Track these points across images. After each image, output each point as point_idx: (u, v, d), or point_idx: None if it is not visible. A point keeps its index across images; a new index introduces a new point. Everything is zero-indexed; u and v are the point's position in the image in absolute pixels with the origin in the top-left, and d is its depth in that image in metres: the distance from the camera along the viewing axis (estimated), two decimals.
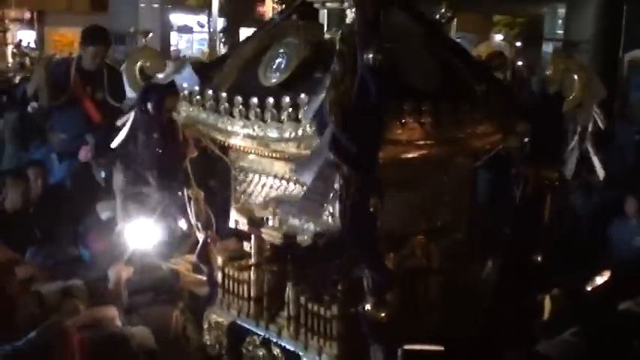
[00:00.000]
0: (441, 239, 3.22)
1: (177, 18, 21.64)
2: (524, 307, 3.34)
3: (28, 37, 20.31)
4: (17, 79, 12.18)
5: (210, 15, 21.28)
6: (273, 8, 3.68)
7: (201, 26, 22.29)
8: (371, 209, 2.59)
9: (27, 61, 14.78)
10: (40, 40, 20.52)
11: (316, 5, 3.23)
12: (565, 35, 13.28)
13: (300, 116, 2.75)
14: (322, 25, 3.22)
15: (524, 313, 3.32)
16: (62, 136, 6.27)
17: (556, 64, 3.28)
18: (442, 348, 2.66)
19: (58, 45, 17.14)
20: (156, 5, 20.16)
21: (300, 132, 2.79)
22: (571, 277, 3.71)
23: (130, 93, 3.49)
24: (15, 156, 7.22)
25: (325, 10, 3.21)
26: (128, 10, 18.08)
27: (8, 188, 5.37)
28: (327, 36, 3.18)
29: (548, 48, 17.85)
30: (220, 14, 20.15)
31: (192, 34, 22.58)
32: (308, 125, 2.72)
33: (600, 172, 3.32)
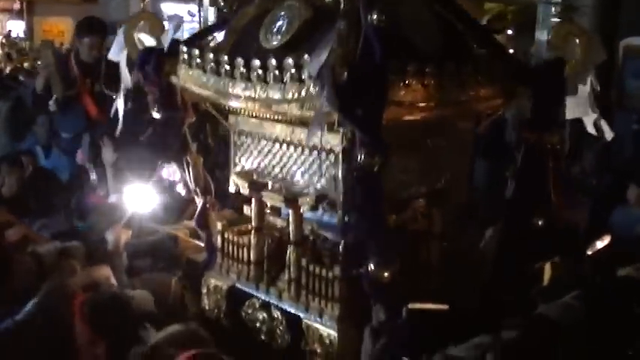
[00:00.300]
0: (442, 203, 3.23)
1: (167, 7, 21.43)
2: (525, 272, 3.35)
3: (17, 27, 20.10)
4: (7, 70, 12.08)
5: (200, 4, 21.10)
6: None
7: (192, 15, 22.12)
8: (375, 169, 2.59)
9: (14, 53, 14.61)
10: (30, 31, 20.27)
11: None
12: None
13: (303, 77, 2.74)
14: None
15: (525, 278, 3.33)
16: (64, 135, 6.13)
17: (558, 30, 3.28)
18: (446, 306, 2.67)
19: (48, 35, 16.86)
20: None
21: (303, 93, 2.77)
22: (572, 241, 3.70)
23: (126, 82, 3.47)
24: (9, 146, 7.13)
25: None
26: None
27: (5, 175, 5.38)
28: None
29: (542, 36, 17.81)
30: (211, 3, 19.96)
31: (183, 23, 22.35)
32: (311, 85, 2.71)
33: (608, 135, 3.33)
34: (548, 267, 3.41)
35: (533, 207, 3.15)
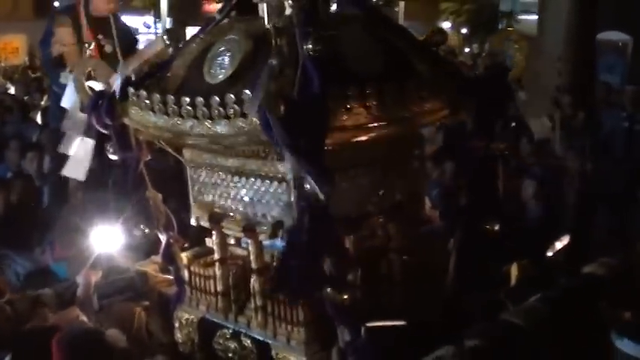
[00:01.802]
0: (399, 218, 3.28)
1: (124, 20, 21.51)
2: (489, 277, 3.42)
3: None
4: None
5: (156, 16, 21.12)
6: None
7: (147, 27, 22.12)
8: (322, 197, 2.64)
9: None
10: None
11: (255, 0, 3.25)
12: (539, 18, 13.13)
13: (245, 111, 2.79)
14: (262, 19, 3.25)
15: (489, 282, 3.40)
16: None
17: (496, 36, 3.35)
18: (404, 323, 2.72)
19: (2, 53, 16.79)
20: None
21: (247, 126, 2.82)
22: (536, 243, 3.77)
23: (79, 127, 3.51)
24: None
25: (264, 4, 3.23)
26: None
27: None
28: (267, 29, 3.21)
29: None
30: (169, 14, 20.02)
31: (138, 36, 22.39)
32: (255, 119, 2.76)
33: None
34: (514, 268, 3.47)
35: (486, 213, 3.21)
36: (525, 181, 6.71)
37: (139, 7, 22.07)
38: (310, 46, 2.74)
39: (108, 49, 5.33)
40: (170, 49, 3.46)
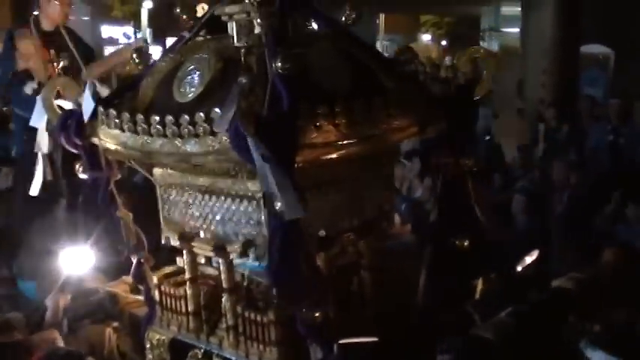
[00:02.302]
0: (370, 235, 3.30)
1: (105, 30, 21.38)
2: (460, 293, 3.43)
3: None
4: None
5: (136, 26, 21.08)
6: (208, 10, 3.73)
7: (128, 37, 22.07)
8: (294, 215, 2.64)
9: None
10: None
11: (224, 18, 3.26)
12: (523, 30, 13.22)
13: (215, 130, 2.79)
14: (232, 37, 3.26)
15: (459, 299, 3.41)
16: None
17: (463, 53, 3.37)
18: (376, 339, 2.72)
19: None
20: (86, 18, 19.87)
21: (217, 145, 2.82)
22: (505, 257, 3.79)
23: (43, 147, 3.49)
24: None
25: (234, 23, 3.24)
26: None
27: None
28: (237, 47, 3.22)
29: (490, 46, 17.86)
30: (149, 24, 20.02)
31: (118, 46, 22.34)
32: (225, 137, 2.76)
33: None
34: (480, 282, 3.49)
35: (455, 229, 3.23)
36: (515, 196, 6.77)
37: (119, 17, 22.02)
38: (279, 64, 2.75)
39: (65, 63, 5.30)
40: (140, 67, 3.47)
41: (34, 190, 3.88)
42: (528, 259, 3.46)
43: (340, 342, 2.74)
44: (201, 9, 3.66)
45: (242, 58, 2.79)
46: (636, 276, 4.53)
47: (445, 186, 3.28)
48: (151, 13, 20.54)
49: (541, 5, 12.30)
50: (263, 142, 2.55)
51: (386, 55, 3.85)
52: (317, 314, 2.79)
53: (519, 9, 15.00)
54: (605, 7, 13.38)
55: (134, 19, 21.73)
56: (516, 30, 15.46)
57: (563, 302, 3.36)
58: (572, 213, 6.68)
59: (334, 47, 3.22)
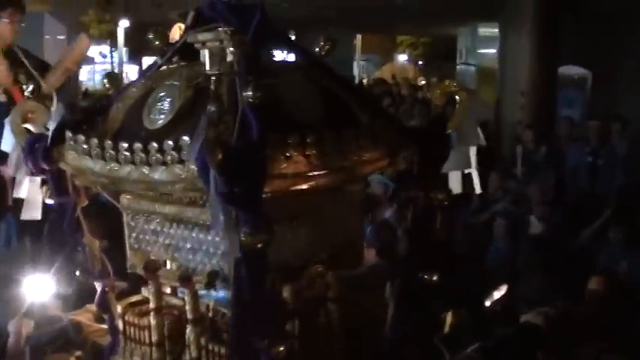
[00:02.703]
0: (338, 267, 3.26)
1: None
2: (428, 326, 3.41)
3: None
4: None
5: (112, 45, 21.04)
6: (180, 36, 3.68)
7: (104, 57, 22.02)
8: (259, 246, 2.61)
9: None
10: None
11: (196, 46, 3.24)
12: (501, 52, 13.30)
13: (184, 158, 2.76)
14: (204, 65, 3.24)
15: (427, 332, 3.39)
16: None
17: (435, 87, 3.38)
18: None
19: None
20: (61, 37, 19.79)
21: (185, 174, 2.79)
22: (474, 292, 3.80)
23: (8, 147, 3.43)
24: None
25: (206, 50, 3.22)
26: (33, 41, 17.61)
27: None
28: (208, 75, 3.19)
29: (468, 67, 17.96)
30: (125, 44, 19.99)
31: (94, 65, 22.27)
32: (193, 166, 2.73)
33: (477, 189, 3.43)
34: (449, 316, 3.47)
35: (424, 263, 3.21)
36: (496, 221, 6.79)
37: (95, 36, 21.98)
38: (250, 93, 2.73)
39: (22, 79, 5.24)
40: (110, 92, 3.44)
41: (34, 213, 3.79)
42: (497, 294, 3.45)
43: None
44: (179, 28, 3.64)
45: (212, 87, 2.76)
46: (619, 304, 4.56)
47: (415, 220, 3.26)
48: (128, 33, 20.52)
49: (519, 27, 12.43)
50: (227, 173, 2.52)
51: (363, 75, 3.86)
52: (281, 348, 2.74)
53: (496, 30, 15.16)
54: (583, 28, 13.54)
55: (110, 38, 21.70)
56: (493, 51, 15.60)
57: (531, 338, 3.34)
58: (550, 235, 6.72)
59: (307, 78, 3.21)
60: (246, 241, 2.61)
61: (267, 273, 2.70)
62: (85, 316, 3.78)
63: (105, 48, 22.34)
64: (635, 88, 13.24)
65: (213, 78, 2.80)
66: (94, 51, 22.03)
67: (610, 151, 9.33)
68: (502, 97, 12.46)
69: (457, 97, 3.38)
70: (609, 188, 8.89)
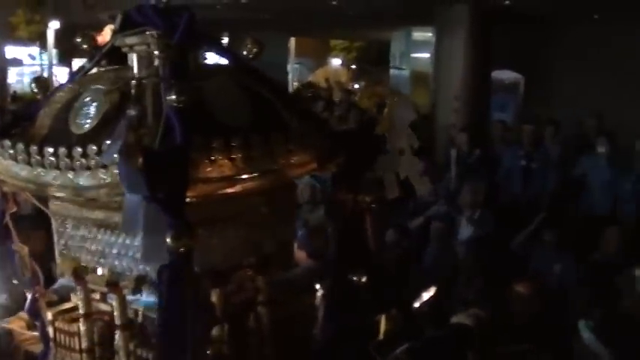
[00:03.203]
0: (269, 271, 3.27)
1: (10, 50, 20.87)
2: (360, 328, 3.43)
3: None
4: None
5: (42, 47, 20.65)
6: (109, 40, 3.63)
7: (33, 58, 21.62)
8: (182, 250, 2.60)
9: None
10: None
11: (124, 49, 3.23)
12: (435, 56, 13.42)
13: (105, 162, 2.74)
14: (132, 69, 3.23)
15: (359, 335, 3.41)
16: None
17: (364, 92, 3.41)
18: None
19: None
20: None
21: (109, 178, 2.78)
22: (408, 294, 3.83)
23: None
24: None
25: (134, 54, 3.21)
26: None
27: None
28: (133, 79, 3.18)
29: (401, 71, 18.16)
30: (56, 46, 19.60)
31: (23, 67, 21.85)
32: (116, 171, 2.71)
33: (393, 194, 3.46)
34: (384, 320, 3.49)
35: (353, 265, 3.23)
36: (432, 223, 6.85)
37: (24, 37, 21.51)
38: (173, 96, 2.73)
39: None
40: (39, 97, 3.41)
41: None
42: (426, 296, 3.48)
43: None
44: (110, 31, 3.62)
45: (133, 91, 2.75)
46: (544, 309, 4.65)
47: (344, 222, 3.28)
48: (58, 35, 20.13)
49: (453, 32, 12.58)
50: (147, 177, 2.51)
51: (295, 77, 3.87)
52: (208, 352, 2.75)
53: (430, 34, 15.30)
54: (515, 34, 13.76)
55: (40, 39, 21.25)
56: (427, 55, 15.77)
57: (462, 339, 3.38)
58: (481, 238, 6.81)
59: (235, 81, 3.21)
60: (170, 245, 2.60)
61: (192, 277, 2.69)
62: (18, 323, 3.72)
63: (34, 50, 21.89)
64: (566, 92, 13.53)
65: (134, 82, 2.79)
66: (22, 53, 21.59)
67: (543, 155, 9.50)
68: (436, 100, 12.61)
69: (387, 101, 3.42)
70: (542, 191, 9.06)
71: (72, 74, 3.40)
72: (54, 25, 20.44)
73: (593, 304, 4.64)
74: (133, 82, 2.83)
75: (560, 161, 9.57)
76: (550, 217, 7.25)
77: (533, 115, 10.76)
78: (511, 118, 13.21)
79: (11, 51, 21.23)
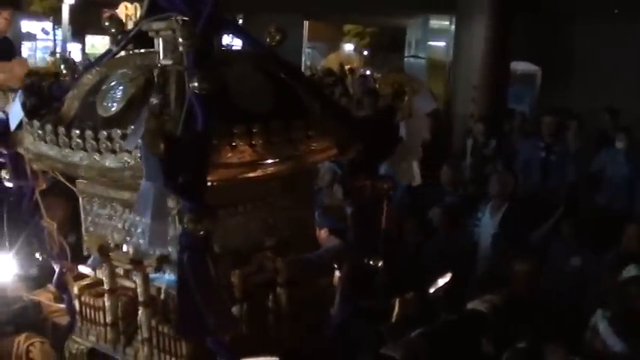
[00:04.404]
0: (288, 253, 3.35)
1: (25, 25, 20.88)
2: (374, 311, 3.51)
3: None
4: None
5: (56, 22, 20.61)
6: (126, 15, 3.67)
7: (46, 33, 21.57)
8: (202, 234, 2.69)
9: None
10: None
11: (151, 34, 3.30)
12: (454, 44, 13.32)
13: (125, 147, 2.83)
14: (158, 53, 3.30)
15: (373, 317, 3.49)
16: None
17: (384, 79, 3.45)
18: (277, 358, 2.77)
19: None
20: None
21: (133, 162, 2.87)
22: (423, 279, 3.87)
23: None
24: None
25: (160, 39, 3.29)
26: None
27: None
28: (162, 64, 3.26)
29: (417, 59, 17.95)
30: (70, 21, 19.57)
31: (36, 42, 21.79)
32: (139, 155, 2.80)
33: (417, 179, 3.52)
34: (397, 303, 3.56)
35: (369, 250, 3.30)
36: (432, 210, 6.88)
37: (38, 12, 21.49)
38: (196, 84, 2.80)
39: None
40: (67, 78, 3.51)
41: None
42: (441, 281, 3.54)
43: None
44: (125, 7, 3.68)
45: (155, 79, 2.83)
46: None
47: (361, 208, 3.35)
48: (72, 10, 20.07)
49: (472, 21, 12.46)
50: (169, 163, 2.59)
51: (307, 63, 3.93)
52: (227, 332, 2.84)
53: (447, 22, 15.11)
54: (534, 25, 13.61)
55: (54, 14, 21.22)
56: (443, 44, 15.62)
57: (476, 324, 3.44)
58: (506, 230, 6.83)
59: (257, 68, 3.28)
60: (189, 228, 2.70)
61: (211, 259, 2.78)
62: (45, 296, 3.86)
63: (48, 24, 21.85)
64: (585, 86, 13.37)
65: (158, 70, 2.86)
66: (36, 27, 21.51)
67: (563, 147, 9.44)
68: (454, 90, 12.52)
69: (406, 89, 3.45)
70: (561, 184, 9.01)
71: (99, 57, 3.48)
72: (68, 0, 20.47)
73: (611, 297, 4.65)
74: (157, 69, 2.89)
75: (579, 155, 9.52)
76: (568, 210, 7.24)
77: (551, 108, 10.62)
78: (527, 110, 13.06)
79: (25, 25, 21.19)
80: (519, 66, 13.86)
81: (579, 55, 14.22)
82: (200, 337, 2.90)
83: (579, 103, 11.65)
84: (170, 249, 3.10)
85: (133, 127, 2.82)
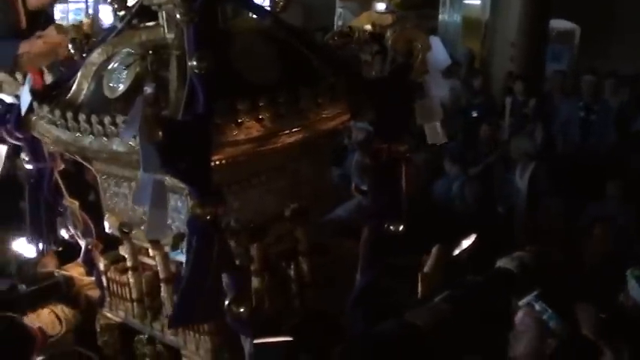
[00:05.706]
0: (306, 222, 3.31)
1: None
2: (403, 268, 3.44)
3: None
4: None
5: None
6: None
7: None
8: (209, 217, 2.66)
9: None
10: None
11: (154, 8, 3.24)
12: (491, 4, 12.91)
13: (121, 137, 2.81)
14: (162, 27, 3.24)
15: (401, 274, 3.43)
16: None
17: (398, 36, 3.31)
18: (290, 338, 2.76)
19: None
20: None
21: (138, 145, 2.83)
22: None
23: None
24: None
25: (163, 12, 3.22)
26: None
27: None
28: (167, 38, 3.20)
29: (452, 17, 17.32)
30: None
31: (68, 4, 21.69)
32: None
33: (443, 139, 3.42)
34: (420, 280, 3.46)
35: (388, 214, 3.24)
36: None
37: None
38: (195, 63, 2.74)
39: None
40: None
41: None
42: (466, 243, 3.45)
43: (255, 341, 2.78)
44: None
45: (149, 67, 2.78)
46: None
47: (379, 171, 3.27)
48: None
49: None
50: (167, 150, 2.54)
51: (339, 23, 3.81)
52: (242, 309, 2.84)
53: None
54: None
55: None
56: (478, 2, 15.11)
57: (504, 284, 3.34)
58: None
59: (264, 37, 3.19)
60: (196, 212, 2.67)
61: (222, 239, 2.76)
62: (76, 270, 3.90)
63: None
64: (625, 46, 12.85)
65: (150, 58, 2.80)
66: None
67: (603, 107, 9.18)
68: (491, 48, 12.16)
69: (419, 45, 3.31)
70: (601, 144, 8.80)
71: (105, 35, 3.42)
72: None
73: None
74: (151, 52, 2.83)
75: (619, 114, 9.25)
76: (610, 170, 7.06)
77: (591, 68, 10.24)
78: (565, 69, 12.63)
79: None
80: (557, 24, 13.35)
81: (618, 14, 13.67)
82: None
83: (620, 64, 11.23)
84: (184, 227, 3.08)
85: (127, 117, 2.75)
